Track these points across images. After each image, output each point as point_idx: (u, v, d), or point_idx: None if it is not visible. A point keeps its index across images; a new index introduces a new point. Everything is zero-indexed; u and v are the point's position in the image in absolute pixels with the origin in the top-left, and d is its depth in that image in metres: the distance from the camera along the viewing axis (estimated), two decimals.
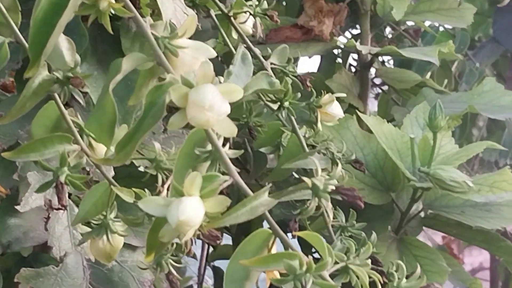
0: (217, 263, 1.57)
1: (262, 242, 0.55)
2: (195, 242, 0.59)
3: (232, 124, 0.53)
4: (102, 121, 0.56)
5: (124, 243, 0.66)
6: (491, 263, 1.64)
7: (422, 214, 1.10)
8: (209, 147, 0.58)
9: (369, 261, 0.55)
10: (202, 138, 0.57)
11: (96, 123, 0.57)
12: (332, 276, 0.54)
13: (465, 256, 2.40)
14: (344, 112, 0.88)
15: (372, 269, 0.54)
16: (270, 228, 0.55)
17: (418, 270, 0.55)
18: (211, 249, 1.55)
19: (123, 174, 0.77)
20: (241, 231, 1.30)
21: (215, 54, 0.57)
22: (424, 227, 1.17)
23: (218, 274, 1.55)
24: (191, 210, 0.50)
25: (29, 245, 0.80)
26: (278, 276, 0.52)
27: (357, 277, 0.54)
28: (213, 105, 0.50)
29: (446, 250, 1.40)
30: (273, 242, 0.56)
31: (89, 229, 0.64)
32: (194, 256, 1.57)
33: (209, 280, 1.73)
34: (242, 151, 0.59)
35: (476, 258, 2.65)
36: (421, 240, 1.08)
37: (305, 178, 0.56)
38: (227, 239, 1.42)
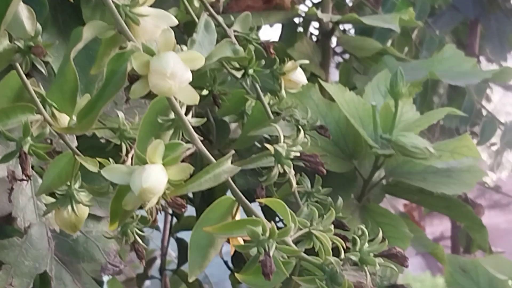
0: (181, 234, 1.57)
1: (226, 210, 0.56)
2: (161, 212, 0.59)
3: (194, 92, 0.53)
4: (64, 89, 0.56)
5: (89, 214, 0.66)
6: (452, 230, 1.66)
7: (384, 181, 1.11)
8: (171, 115, 0.58)
9: (332, 226, 0.55)
10: (164, 106, 0.57)
11: (58, 92, 0.57)
12: (296, 242, 0.54)
13: (426, 225, 2.43)
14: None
15: (336, 234, 0.55)
16: (233, 195, 0.56)
17: (380, 234, 0.55)
18: (174, 221, 1.55)
19: (85, 146, 0.77)
20: (204, 202, 1.30)
21: (177, 22, 0.57)
22: (386, 195, 1.18)
23: (182, 245, 1.55)
24: (154, 177, 0.50)
25: None
26: (242, 243, 0.53)
27: (321, 242, 0.55)
28: (175, 73, 0.51)
29: (408, 217, 1.42)
30: (236, 210, 0.57)
31: (53, 200, 0.64)
32: (157, 228, 1.58)
33: (172, 253, 1.74)
34: (205, 119, 0.59)
35: (437, 227, 2.69)
36: (383, 207, 1.09)
37: (267, 145, 0.57)
38: (190, 211, 1.43)
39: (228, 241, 0.62)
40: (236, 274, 0.53)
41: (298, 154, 0.58)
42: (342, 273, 0.52)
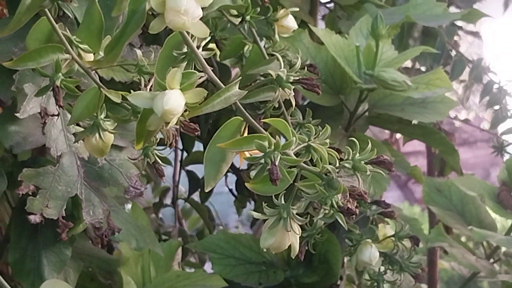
0: (191, 167, 1.59)
1: (236, 128, 0.57)
2: (178, 135, 0.60)
3: (204, 26, 0.54)
4: (91, 28, 0.57)
5: (112, 144, 0.67)
6: (427, 157, 1.68)
7: (367, 113, 1.13)
8: (185, 49, 0.59)
9: (328, 141, 0.57)
10: (178, 41, 0.58)
11: (85, 31, 0.58)
12: (297, 156, 0.55)
13: None
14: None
15: (331, 147, 0.56)
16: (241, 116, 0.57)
17: (370, 145, 0.57)
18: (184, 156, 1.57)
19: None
20: (210, 137, 1.32)
21: None
22: (370, 126, 1.20)
23: (191, 176, 1.57)
24: (174, 100, 0.51)
25: (28, 148, 0.81)
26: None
27: (318, 154, 0.56)
28: (188, 9, 0.52)
29: (389, 145, 1.44)
30: (244, 129, 0.58)
31: (82, 129, 0.65)
32: (169, 163, 1.60)
33: (182, 188, 1.76)
34: (214, 51, 0.60)
35: (412, 164, 2.69)
36: (367, 135, 1.10)
37: (270, 71, 0.58)
38: (198, 147, 1.45)
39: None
40: (246, 184, 0.54)
41: (295, 79, 0.59)
42: (338, 179, 0.53)
